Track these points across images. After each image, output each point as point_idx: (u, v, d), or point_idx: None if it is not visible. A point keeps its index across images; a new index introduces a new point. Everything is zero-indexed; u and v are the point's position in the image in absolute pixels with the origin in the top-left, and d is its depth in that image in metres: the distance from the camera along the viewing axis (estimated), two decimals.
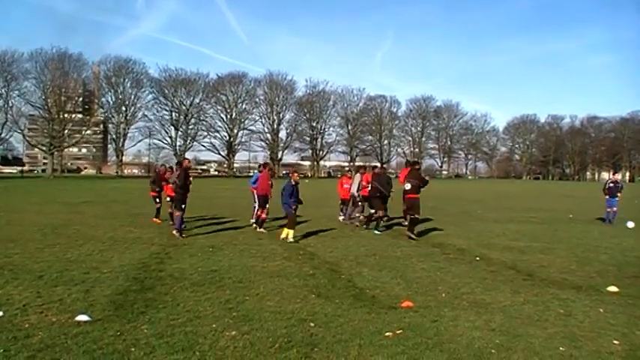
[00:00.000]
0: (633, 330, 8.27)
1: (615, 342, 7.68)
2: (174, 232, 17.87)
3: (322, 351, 7.07)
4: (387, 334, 7.83)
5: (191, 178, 19.51)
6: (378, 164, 25.98)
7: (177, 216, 18.01)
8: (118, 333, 7.57)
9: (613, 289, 11.03)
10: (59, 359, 6.61)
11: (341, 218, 24.22)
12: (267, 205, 20.60)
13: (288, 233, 17.10)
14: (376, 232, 19.89)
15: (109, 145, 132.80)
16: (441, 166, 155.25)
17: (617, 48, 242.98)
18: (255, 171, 24.08)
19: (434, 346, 7.32)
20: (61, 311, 8.59)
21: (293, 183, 17.77)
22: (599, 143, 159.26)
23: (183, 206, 18.05)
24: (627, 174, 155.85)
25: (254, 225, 20.62)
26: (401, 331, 7.98)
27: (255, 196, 21.24)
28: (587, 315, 9.08)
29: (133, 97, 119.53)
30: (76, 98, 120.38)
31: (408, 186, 18.52)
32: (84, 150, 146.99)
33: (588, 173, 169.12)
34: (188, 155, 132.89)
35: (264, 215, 20.21)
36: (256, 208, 21.08)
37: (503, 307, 9.55)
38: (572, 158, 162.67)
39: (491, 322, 8.57)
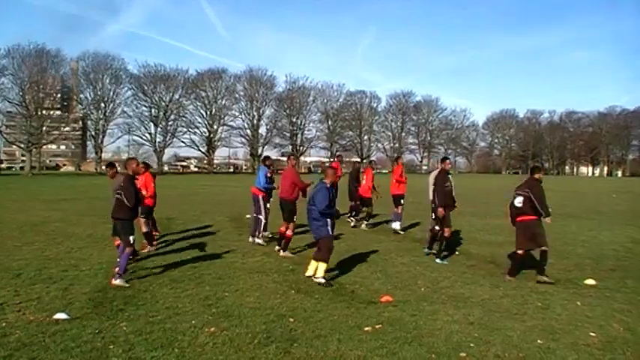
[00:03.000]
0: (610, 322, 8.38)
1: (592, 334, 7.77)
2: (115, 281, 10.42)
3: (301, 346, 7.09)
4: (367, 328, 7.87)
5: (153, 185, 15.07)
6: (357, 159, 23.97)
7: (125, 254, 10.74)
8: (97, 331, 7.55)
9: (590, 282, 11.15)
10: (36, 358, 6.58)
11: (353, 223, 20.26)
12: (295, 218, 14.33)
13: (317, 267, 11.09)
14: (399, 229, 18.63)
15: (88, 142, 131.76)
16: (421, 161, 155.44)
17: (595, 44, 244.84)
18: (260, 165, 17.22)
19: (413, 340, 7.37)
20: (39, 309, 8.55)
21: (327, 185, 11.33)
22: (578, 138, 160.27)
23: (132, 238, 10.88)
24: (605, 168, 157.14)
25: (258, 241, 15.66)
26: (380, 325, 8.03)
27: (261, 203, 15.93)
28: (565, 308, 9.18)
29: (112, 93, 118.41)
30: (55, 95, 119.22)
31: (519, 201, 11.87)
32: (63, 147, 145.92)
33: (567, 168, 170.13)
34: (168, 152, 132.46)
35: (290, 232, 14.12)
36: (262, 221, 15.87)
37: (482, 301, 9.63)
38: (550, 153, 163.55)
39: (470, 315, 8.64)
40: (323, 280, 10.75)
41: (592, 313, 8.84)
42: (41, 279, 10.72)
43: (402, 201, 18.77)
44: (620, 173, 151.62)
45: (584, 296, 10.03)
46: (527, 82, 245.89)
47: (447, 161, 14.77)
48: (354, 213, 20.73)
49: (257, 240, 15.62)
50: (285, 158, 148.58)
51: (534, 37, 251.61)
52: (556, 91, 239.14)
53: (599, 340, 7.55)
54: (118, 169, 13.01)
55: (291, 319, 8.29)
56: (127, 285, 10.25)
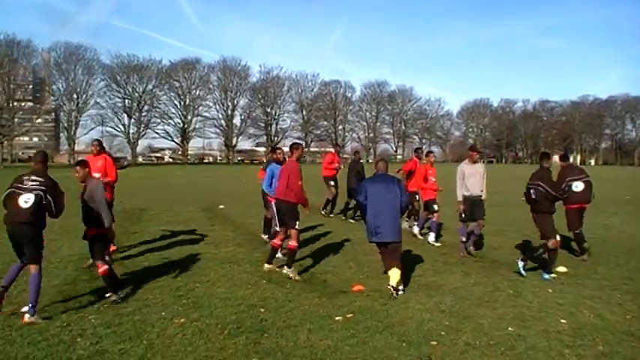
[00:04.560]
0: (580, 309, 8.43)
1: (563, 321, 7.82)
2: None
3: (272, 336, 7.07)
4: (338, 318, 7.86)
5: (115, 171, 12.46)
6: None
7: (104, 275, 8.84)
8: (65, 324, 7.47)
9: (562, 269, 11.21)
10: (2, 352, 6.49)
11: (416, 230, 15.91)
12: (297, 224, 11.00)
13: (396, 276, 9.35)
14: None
15: (61, 134, 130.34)
16: (396, 151, 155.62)
17: (568, 32, 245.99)
18: (267, 158, 15.03)
19: (384, 329, 7.37)
20: (6, 303, 8.38)
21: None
22: (551, 127, 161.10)
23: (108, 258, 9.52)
24: (578, 157, 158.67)
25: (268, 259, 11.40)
26: (351, 314, 8.02)
27: (274, 208, 11.88)
28: (536, 295, 9.23)
29: (84, 84, 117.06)
30: (26, 86, 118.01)
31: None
32: (35, 139, 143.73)
33: None
34: (142, 143, 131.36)
35: (294, 243, 10.78)
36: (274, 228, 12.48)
37: (453, 289, 9.66)
38: (524, 142, 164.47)
39: (441, 303, 8.66)
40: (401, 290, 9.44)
41: (563, 300, 8.89)
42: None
43: (435, 207, 15.23)
44: (593, 162, 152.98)
45: (556, 283, 10.11)
46: (501, 71, 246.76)
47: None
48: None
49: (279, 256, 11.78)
50: (261, 149, 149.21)
51: (507, 25, 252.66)
52: (530, 80, 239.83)
53: (569, 326, 7.60)
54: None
55: (262, 310, 8.26)
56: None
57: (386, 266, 9.70)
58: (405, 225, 15.35)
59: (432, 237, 14.80)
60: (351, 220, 18.96)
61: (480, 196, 12.90)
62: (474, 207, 12.74)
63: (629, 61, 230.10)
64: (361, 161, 20.54)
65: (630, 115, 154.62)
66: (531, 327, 7.56)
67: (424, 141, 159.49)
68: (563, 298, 9.07)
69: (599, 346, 6.87)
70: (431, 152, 16.94)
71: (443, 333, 7.25)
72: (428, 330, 7.37)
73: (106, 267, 8.84)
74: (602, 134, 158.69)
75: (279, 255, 11.61)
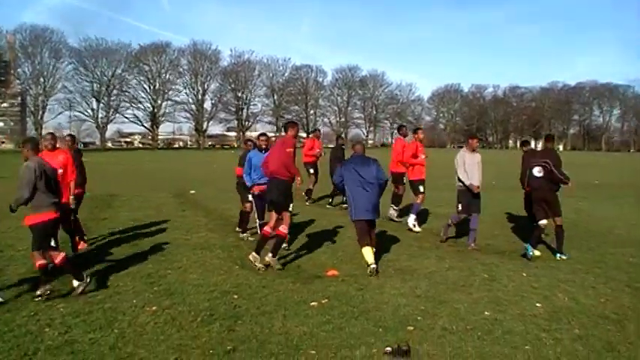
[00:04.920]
0: (555, 292, 8.43)
1: (538, 305, 7.81)
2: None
3: (246, 323, 6.95)
4: (313, 303, 7.75)
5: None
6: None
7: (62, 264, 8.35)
8: (32, 313, 7.27)
9: (536, 253, 11.21)
10: None
11: (411, 221, 14.58)
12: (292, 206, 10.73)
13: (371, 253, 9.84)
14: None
15: (28, 119, 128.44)
16: (367, 136, 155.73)
17: (539, 19, 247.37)
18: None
19: (360, 315, 7.28)
20: None
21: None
22: (521, 112, 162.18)
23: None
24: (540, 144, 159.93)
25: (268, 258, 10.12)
26: (326, 300, 7.93)
27: (254, 201, 12.33)
28: (511, 279, 9.21)
29: (51, 67, 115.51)
30: None
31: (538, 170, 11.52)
32: (1, 124, 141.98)
33: (510, 142, 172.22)
34: (111, 128, 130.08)
35: (284, 229, 10.22)
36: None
37: (428, 274, 9.60)
38: (494, 127, 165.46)
39: (416, 288, 8.59)
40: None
41: (538, 284, 8.88)
42: None
43: (421, 188, 14.65)
44: (561, 147, 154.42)
45: (530, 267, 10.11)
46: (472, 56, 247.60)
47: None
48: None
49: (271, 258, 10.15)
50: (232, 134, 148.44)
51: (480, 12, 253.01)
52: (500, 66, 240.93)
53: (544, 310, 7.58)
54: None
55: (236, 296, 8.13)
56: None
57: (362, 244, 9.86)
58: (391, 212, 15.79)
59: (412, 219, 14.22)
60: (338, 207, 18.06)
61: (479, 187, 12.29)
62: (472, 200, 12.22)
63: (597, 49, 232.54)
64: (343, 147, 19.84)
65: (598, 102, 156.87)
66: (507, 311, 7.52)
67: (395, 125, 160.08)
68: (538, 281, 9.05)
69: (575, 329, 6.85)
70: (420, 129, 15.92)
71: (419, 318, 7.18)
72: (404, 315, 7.29)
73: (61, 255, 8.32)
74: (571, 120, 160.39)
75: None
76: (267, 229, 10.37)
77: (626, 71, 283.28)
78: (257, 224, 12.27)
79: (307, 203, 19.02)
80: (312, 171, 19.33)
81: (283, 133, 11.05)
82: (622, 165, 58.57)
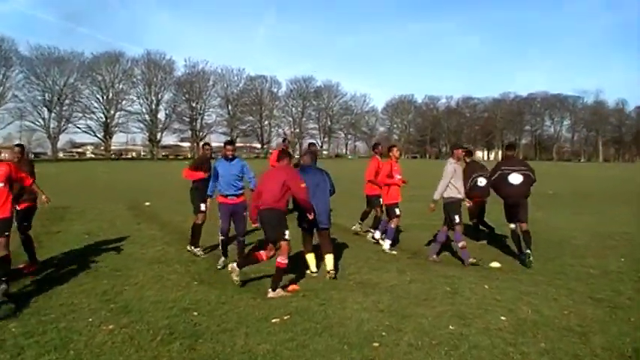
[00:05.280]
0: (519, 305, 8.37)
1: (503, 318, 7.74)
2: None
3: (207, 342, 6.76)
4: (274, 320, 7.59)
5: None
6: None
7: None
8: None
9: (496, 264, 11.26)
10: None
11: (377, 235, 14.30)
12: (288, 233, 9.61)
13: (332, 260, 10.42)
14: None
15: None
16: (322, 146, 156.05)
17: (487, 29, 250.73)
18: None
19: (323, 331, 7.14)
20: None
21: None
22: (474, 123, 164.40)
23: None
24: (500, 152, 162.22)
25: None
26: (288, 316, 7.77)
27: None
28: (474, 292, 9.14)
29: (1, 76, 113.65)
30: None
31: (516, 178, 11.87)
32: None
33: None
34: (63, 138, 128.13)
35: (284, 259, 9.32)
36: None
37: (390, 287, 9.51)
38: (448, 137, 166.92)
39: (379, 302, 8.47)
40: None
41: (501, 297, 8.82)
42: None
43: (397, 211, 13.48)
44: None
45: (492, 279, 10.05)
46: (425, 68, 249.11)
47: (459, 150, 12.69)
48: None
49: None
50: (185, 144, 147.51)
51: (432, 22, 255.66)
52: (453, 77, 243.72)
53: (509, 323, 7.51)
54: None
55: (195, 313, 7.92)
56: None
57: (306, 251, 10.67)
58: (370, 236, 14.59)
59: (387, 244, 13.16)
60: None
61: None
62: (460, 211, 11.99)
63: (548, 60, 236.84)
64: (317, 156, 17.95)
65: (549, 112, 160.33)
66: (472, 325, 7.44)
67: (349, 136, 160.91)
68: (501, 294, 9.01)
69: (541, 342, 6.80)
70: (394, 146, 14.65)
71: (384, 333, 7.06)
72: (368, 331, 7.16)
73: None
74: (523, 130, 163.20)
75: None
76: (262, 253, 9.65)
77: (576, 82, 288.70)
78: (219, 239, 11.34)
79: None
80: None
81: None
82: (574, 174, 59.59)
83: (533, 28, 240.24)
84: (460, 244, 11.78)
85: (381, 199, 13.93)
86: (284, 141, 17.39)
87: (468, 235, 13.57)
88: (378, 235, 14.13)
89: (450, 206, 11.90)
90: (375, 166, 14.10)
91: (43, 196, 9.63)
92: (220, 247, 11.41)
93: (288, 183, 9.44)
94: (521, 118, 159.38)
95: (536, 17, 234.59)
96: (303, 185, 9.65)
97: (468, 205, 12.60)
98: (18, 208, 10.19)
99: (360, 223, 15.60)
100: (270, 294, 9.08)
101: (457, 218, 11.77)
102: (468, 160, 14.50)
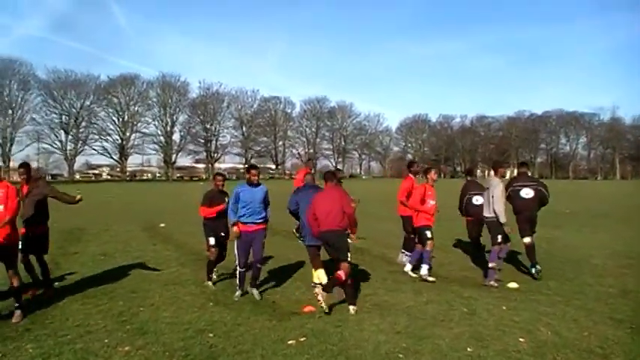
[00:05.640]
0: (537, 326, 8.28)
1: (521, 339, 7.65)
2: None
3: None
4: (290, 342, 7.55)
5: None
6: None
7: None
8: (0, 355, 6.96)
9: (513, 285, 11.14)
10: None
11: (408, 267, 12.86)
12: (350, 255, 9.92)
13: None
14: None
15: None
16: (336, 166, 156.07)
17: (504, 49, 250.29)
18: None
19: (339, 353, 7.09)
20: None
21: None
22: (489, 142, 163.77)
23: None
24: (515, 171, 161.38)
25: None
26: (304, 338, 7.73)
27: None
28: (491, 313, 9.06)
29: (19, 99, 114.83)
30: None
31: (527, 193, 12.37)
32: None
33: (478, 171, 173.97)
34: (79, 160, 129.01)
35: (344, 275, 9.39)
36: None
37: (406, 308, 9.43)
38: (462, 157, 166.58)
39: (396, 324, 8.41)
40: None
41: (519, 318, 8.74)
42: None
43: (428, 233, 12.47)
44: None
45: (509, 300, 9.96)
46: (438, 87, 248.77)
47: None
48: None
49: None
50: (200, 165, 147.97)
51: (446, 42, 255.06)
52: (468, 96, 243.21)
53: (528, 345, 7.43)
54: None
55: (211, 334, 7.90)
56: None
57: (315, 267, 10.55)
58: (401, 258, 13.56)
59: (424, 270, 12.10)
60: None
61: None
62: (503, 230, 11.71)
63: (563, 78, 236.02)
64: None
65: (564, 130, 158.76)
66: (490, 346, 7.36)
67: (363, 156, 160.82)
68: (519, 315, 8.92)
69: None
70: (432, 169, 13.36)
71: (401, 355, 7.01)
72: (385, 353, 7.11)
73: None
74: (538, 148, 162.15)
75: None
76: (339, 273, 9.32)
77: (591, 100, 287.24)
78: (237, 272, 10.61)
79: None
80: None
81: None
82: (590, 193, 59.16)
83: (546, 45, 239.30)
84: (491, 265, 11.57)
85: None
86: (309, 160, 16.31)
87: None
88: (409, 267, 12.72)
89: (494, 224, 11.78)
90: (409, 187, 12.97)
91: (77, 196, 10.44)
92: (237, 280, 10.62)
93: (343, 202, 9.69)
94: (536, 137, 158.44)
95: (549, 35, 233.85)
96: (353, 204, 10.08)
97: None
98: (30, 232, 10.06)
99: (404, 253, 13.56)
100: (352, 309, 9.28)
101: (499, 238, 11.64)
102: (469, 178, 15.18)
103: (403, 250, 13.59)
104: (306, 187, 11.26)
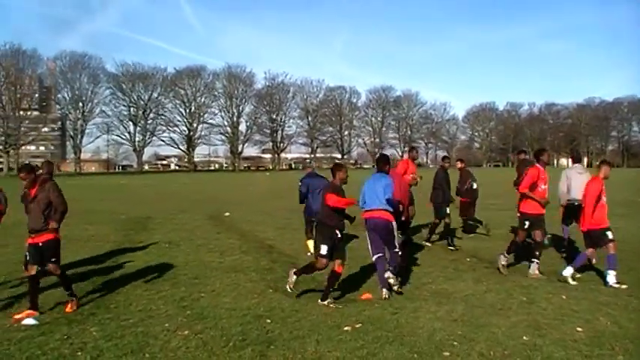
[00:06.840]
0: (596, 316, 8.14)
1: (579, 329, 7.54)
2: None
3: (278, 348, 6.82)
4: (346, 328, 7.60)
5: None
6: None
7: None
8: (65, 337, 7.25)
9: (576, 275, 10.92)
10: None
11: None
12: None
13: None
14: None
15: (67, 142, 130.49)
16: (402, 156, 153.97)
17: (573, 34, 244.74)
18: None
19: (394, 340, 7.11)
20: (6, 315, 8.24)
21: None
22: (557, 130, 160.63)
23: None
24: (585, 160, 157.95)
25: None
26: (360, 324, 7.77)
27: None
28: (550, 302, 8.95)
29: (90, 92, 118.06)
30: (32, 95, 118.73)
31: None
32: (41, 148, 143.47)
33: (563, 160, 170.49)
34: (148, 151, 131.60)
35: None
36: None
37: (465, 297, 9.40)
38: (530, 145, 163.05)
39: (453, 312, 8.40)
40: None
41: (578, 307, 8.60)
42: (10, 283, 10.43)
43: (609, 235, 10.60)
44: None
45: (569, 289, 9.80)
46: (506, 74, 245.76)
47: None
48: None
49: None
50: (267, 155, 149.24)
51: (511, 28, 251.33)
52: (536, 83, 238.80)
53: (586, 335, 7.32)
54: None
55: (268, 320, 8.01)
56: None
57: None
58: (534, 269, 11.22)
59: (612, 279, 10.13)
60: (451, 248, 14.67)
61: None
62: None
63: (635, 63, 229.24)
64: (448, 171, 15.81)
65: (637, 117, 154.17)
66: (547, 335, 7.28)
67: (430, 145, 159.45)
68: (578, 304, 8.79)
69: (619, 355, 6.60)
70: (544, 151, 12.24)
71: (455, 343, 6.99)
72: (440, 340, 7.10)
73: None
74: (609, 136, 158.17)
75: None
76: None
77: None
78: (375, 257, 9.85)
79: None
80: None
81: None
82: None
83: (617, 29, 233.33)
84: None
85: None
86: (411, 150, 15.47)
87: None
88: (569, 271, 10.54)
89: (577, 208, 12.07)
90: (535, 175, 11.23)
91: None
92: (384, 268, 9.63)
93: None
94: (607, 124, 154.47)
95: (620, 18, 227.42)
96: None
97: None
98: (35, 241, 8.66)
99: (533, 261, 11.31)
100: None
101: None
102: (462, 165, 17.86)
103: (533, 260, 11.26)
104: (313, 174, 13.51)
